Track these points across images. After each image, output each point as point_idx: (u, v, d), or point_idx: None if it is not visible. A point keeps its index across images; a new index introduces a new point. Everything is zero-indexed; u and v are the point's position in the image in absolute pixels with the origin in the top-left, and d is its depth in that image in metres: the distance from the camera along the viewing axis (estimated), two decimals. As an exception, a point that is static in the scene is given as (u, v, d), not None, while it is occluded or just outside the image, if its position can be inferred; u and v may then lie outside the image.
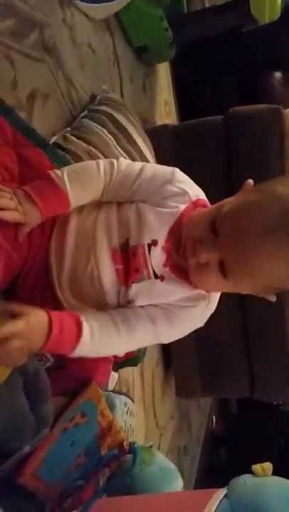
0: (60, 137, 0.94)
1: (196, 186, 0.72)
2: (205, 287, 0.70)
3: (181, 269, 0.68)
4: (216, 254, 0.63)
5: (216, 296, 0.73)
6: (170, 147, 1.33)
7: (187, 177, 0.72)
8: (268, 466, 0.74)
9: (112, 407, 0.85)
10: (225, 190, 1.25)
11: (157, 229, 0.66)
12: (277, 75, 1.95)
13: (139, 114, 1.47)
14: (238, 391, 1.56)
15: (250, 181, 0.68)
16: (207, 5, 2.27)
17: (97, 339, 0.64)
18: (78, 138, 0.94)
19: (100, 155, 0.92)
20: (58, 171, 0.66)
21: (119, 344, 0.68)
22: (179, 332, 0.72)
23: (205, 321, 0.74)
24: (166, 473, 0.83)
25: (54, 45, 1.01)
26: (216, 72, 2.01)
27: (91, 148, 0.92)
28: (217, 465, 2.33)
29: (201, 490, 0.78)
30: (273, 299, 0.68)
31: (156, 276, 0.67)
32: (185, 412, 1.94)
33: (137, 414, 1.23)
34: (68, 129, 0.99)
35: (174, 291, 0.68)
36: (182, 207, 0.67)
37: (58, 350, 0.62)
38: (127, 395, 0.97)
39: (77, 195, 0.66)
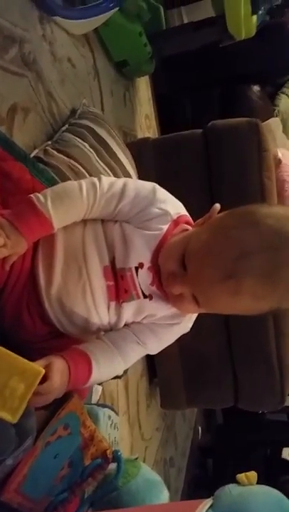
0: (41, 151, 0.95)
1: (176, 202, 0.74)
2: (184, 312, 0.74)
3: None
4: (187, 288, 0.66)
5: None
6: (151, 160, 1.35)
7: (167, 193, 0.73)
8: (253, 474, 0.74)
9: (95, 420, 0.84)
10: (205, 203, 1.27)
11: (142, 252, 0.68)
12: (255, 88, 2.00)
13: (119, 128, 1.49)
14: (223, 401, 1.56)
15: (217, 206, 0.70)
16: (185, 21, 2.32)
17: (102, 371, 0.68)
18: (59, 151, 0.95)
19: (80, 168, 0.93)
20: (40, 196, 0.65)
21: (117, 369, 0.72)
22: (168, 343, 0.76)
23: (190, 326, 0.77)
24: (152, 485, 0.82)
25: (34, 60, 1.02)
26: (195, 86, 2.05)
27: (72, 161, 0.93)
28: (203, 476, 2.32)
29: (186, 501, 0.77)
30: None
31: (144, 296, 0.70)
32: (170, 424, 1.94)
33: (121, 426, 1.22)
34: (49, 142, 1.00)
35: (161, 308, 0.71)
36: (165, 228, 0.69)
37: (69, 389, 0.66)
38: (111, 408, 0.97)
39: (61, 220, 0.66)
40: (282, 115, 2.06)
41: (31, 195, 0.66)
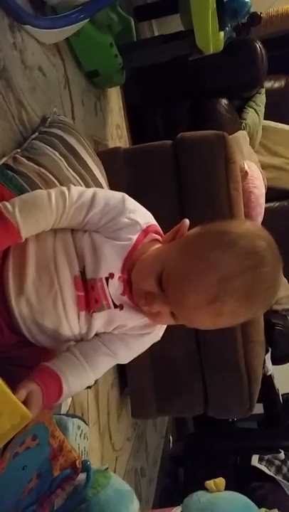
0: (10, 158, 0.94)
1: (145, 211, 0.74)
2: (160, 324, 0.75)
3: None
4: (166, 307, 0.67)
5: None
6: (122, 169, 1.36)
7: (136, 203, 0.73)
8: (221, 481, 0.75)
9: (64, 430, 0.83)
10: (174, 212, 1.29)
11: (113, 262, 0.68)
12: (224, 102, 2.05)
13: (90, 137, 1.49)
14: (193, 409, 1.57)
15: (187, 222, 0.71)
16: (156, 34, 2.37)
17: (72, 389, 0.69)
18: (29, 159, 0.94)
19: (50, 176, 0.93)
20: (8, 204, 0.65)
21: (87, 383, 0.73)
22: (138, 352, 0.76)
23: (161, 335, 0.78)
24: (122, 495, 0.82)
25: (4, 67, 1.01)
26: (165, 97, 2.08)
27: (42, 169, 0.92)
28: (175, 485, 2.31)
29: (156, 510, 0.77)
30: None
31: (115, 306, 0.70)
32: (141, 434, 1.93)
33: (92, 437, 1.21)
34: (18, 150, 0.99)
35: (132, 318, 0.72)
36: (134, 238, 0.69)
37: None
38: (81, 418, 0.96)
39: (29, 228, 0.66)
40: (249, 128, 2.11)
41: None
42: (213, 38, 1.51)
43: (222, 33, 1.59)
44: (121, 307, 0.70)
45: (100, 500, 0.76)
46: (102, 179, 1.12)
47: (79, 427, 0.90)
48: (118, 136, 1.86)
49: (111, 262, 0.68)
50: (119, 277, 0.69)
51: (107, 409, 1.51)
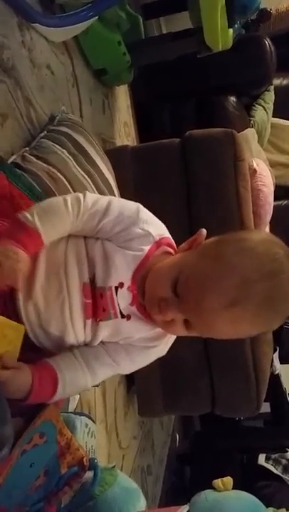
0: (19, 157, 0.94)
1: (159, 223, 0.73)
2: (172, 334, 0.74)
3: (146, 308, 0.70)
4: (180, 314, 0.66)
5: None
6: (129, 168, 1.35)
7: (150, 214, 0.73)
8: (228, 480, 0.74)
9: (72, 428, 0.83)
10: (182, 211, 1.28)
11: (123, 272, 0.68)
12: (232, 99, 2.04)
13: (98, 135, 1.49)
14: (200, 407, 1.57)
15: (204, 232, 0.70)
16: (164, 31, 2.36)
17: (67, 391, 0.69)
18: (37, 158, 0.94)
19: (59, 175, 0.93)
20: (28, 214, 0.65)
21: (84, 386, 0.72)
22: (141, 365, 0.76)
23: (167, 350, 0.77)
24: (129, 493, 0.82)
25: (13, 66, 1.01)
26: (173, 95, 2.08)
27: (50, 168, 0.93)
28: (181, 483, 2.32)
29: (163, 508, 0.77)
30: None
31: (122, 316, 0.69)
32: (148, 432, 1.93)
33: (99, 435, 1.22)
34: (27, 148, 0.99)
35: (139, 329, 0.71)
36: (146, 249, 0.69)
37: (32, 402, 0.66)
38: (89, 416, 0.96)
39: (49, 235, 0.66)
40: (257, 126, 2.10)
41: (18, 215, 0.65)
42: (222, 35, 1.50)
43: (231, 30, 1.58)
44: (128, 317, 0.69)
45: (107, 498, 0.76)
46: (110, 177, 1.12)
47: (87, 425, 0.90)
48: (126, 134, 1.86)
49: (121, 272, 0.68)
50: (129, 287, 0.68)
51: (114, 407, 1.51)
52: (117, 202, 0.71)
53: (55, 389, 0.67)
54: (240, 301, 0.61)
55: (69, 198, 0.68)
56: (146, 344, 0.73)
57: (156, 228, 0.71)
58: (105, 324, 0.69)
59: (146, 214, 0.71)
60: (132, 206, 0.71)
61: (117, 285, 0.68)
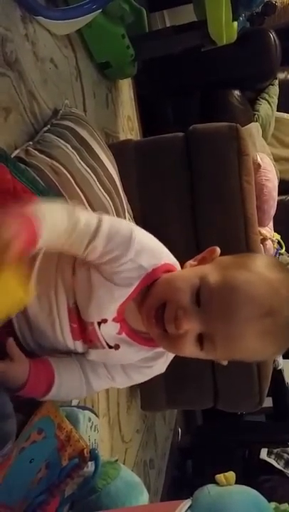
0: (22, 151, 0.94)
1: (155, 248, 0.67)
2: (174, 353, 0.70)
3: (138, 332, 0.68)
4: (198, 326, 0.62)
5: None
6: (133, 162, 1.35)
7: (146, 239, 0.66)
8: (231, 475, 0.75)
9: (75, 422, 0.84)
10: (185, 206, 1.27)
11: (106, 308, 0.65)
12: (236, 93, 2.03)
13: (102, 129, 1.49)
14: (202, 402, 1.57)
15: (218, 249, 0.68)
16: (168, 24, 2.34)
17: (62, 391, 0.68)
18: (41, 152, 0.94)
19: (62, 169, 0.92)
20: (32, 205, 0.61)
21: (78, 393, 0.72)
22: (138, 382, 0.75)
23: (164, 369, 0.75)
24: (132, 487, 0.83)
25: (16, 59, 1.01)
26: (177, 89, 2.06)
27: (54, 162, 0.92)
28: (183, 477, 2.33)
29: (165, 502, 0.78)
30: (225, 363, 0.70)
31: (110, 347, 0.68)
32: (151, 426, 1.94)
33: (102, 428, 1.22)
34: (30, 143, 0.99)
35: (131, 356, 0.70)
36: (135, 283, 0.64)
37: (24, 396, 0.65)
38: (91, 410, 0.96)
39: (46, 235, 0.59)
40: (261, 120, 2.09)
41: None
42: (226, 28, 1.49)
43: (235, 23, 1.56)
44: (117, 347, 0.67)
45: (110, 492, 0.77)
46: (113, 172, 1.12)
47: (90, 419, 0.91)
48: (129, 128, 1.85)
49: (104, 308, 0.64)
50: (114, 318, 0.66)
51: (116, 401, 1.52)
52: (106, 224, 0.63)
53: (50, 387, 0.67)
54: (273, 311, 0.60)
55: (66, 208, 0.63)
56: (142, 365, 0.72)
57: (150, 257, 0.65)
58: (95, 352, 0.69)
59: (140, 243, 0.64)
60: (125, 232, 0.64)
61: (99, 321, 0.65)
